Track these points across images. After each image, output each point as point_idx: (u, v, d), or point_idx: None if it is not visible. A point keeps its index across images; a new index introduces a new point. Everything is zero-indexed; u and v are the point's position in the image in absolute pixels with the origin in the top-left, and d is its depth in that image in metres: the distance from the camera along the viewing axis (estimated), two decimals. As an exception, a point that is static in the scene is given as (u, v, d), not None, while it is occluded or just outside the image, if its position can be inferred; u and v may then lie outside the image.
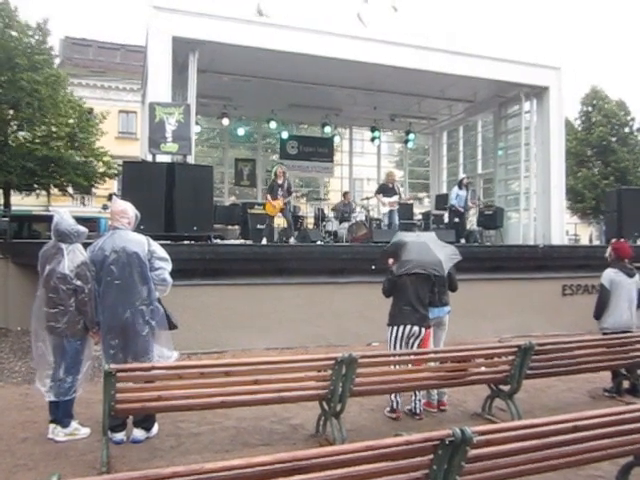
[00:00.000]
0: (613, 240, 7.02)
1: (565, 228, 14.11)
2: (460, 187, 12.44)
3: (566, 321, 9.44)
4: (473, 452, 2.64)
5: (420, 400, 5.22)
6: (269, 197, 10.84)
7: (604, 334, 5.98)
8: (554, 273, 10.38)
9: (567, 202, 18.97)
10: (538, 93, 13.07)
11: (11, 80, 13.39)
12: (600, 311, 6.05)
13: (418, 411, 5.19)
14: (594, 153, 23.85)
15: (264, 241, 10.35)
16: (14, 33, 14.03)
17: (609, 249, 6.30)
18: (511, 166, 14.74)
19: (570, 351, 5.43)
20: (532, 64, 12.63)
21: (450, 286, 5.51)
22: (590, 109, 24.64)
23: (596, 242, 24.88)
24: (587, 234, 29.57)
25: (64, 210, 4.75)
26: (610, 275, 6.04)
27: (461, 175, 13.71)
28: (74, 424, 4.51)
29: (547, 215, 12.80)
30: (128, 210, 4.59)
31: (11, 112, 14.78)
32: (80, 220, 4.73)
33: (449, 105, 15.41)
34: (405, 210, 13.21)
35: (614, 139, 23.40)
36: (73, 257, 4.37)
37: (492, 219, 13.35)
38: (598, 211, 22.50)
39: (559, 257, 10.62)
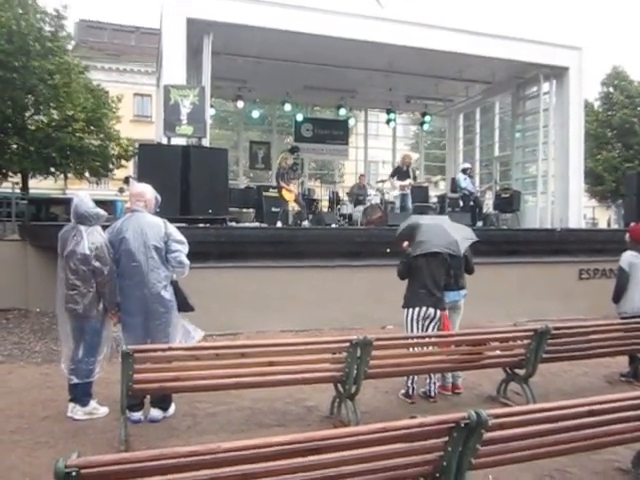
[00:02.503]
0: (632, 224, 6.93)
1: (583, 212, 13.91)
2: (465, 173, 12.58)
3: (582, 305, 9.35)
4: (488, 435, 2.64)
5: (435, 383, 5.22)
6: (282, 184, 10.91)
7: (622, 318, 5.92)
8: (571, 257, 10.27)
9: (586, 185, 18.64)
10: (558, 74, 12.81)
11: (25, 66, 13.44)
12: (619, 294, 5.98)
13: (432, 394, 5.20)
14: (615, 135, 23.36)
15: (279, 224, 10.38)
16: (30, 20, 14.01)
17: (627, 233, 6.23)
18: (529, 149, 14.53)
19: (586, 335, 5.39)
20: (552, 44, 12.35)
21: (466, 268, 5.49)
22: (611, 90, 24.09)
23: (615, 226, 24.55)
24: (606, 218, 29.19)
25: (84, 193, 4.80)
26: (629, 258, 5.97)
27: (465, 164, 13.72)
28: (93, 403, 4.59)
29: (565, 199, 12.63)
30: (145, 192, 4.62)
31: (28, 97, 14.86)
32: (96, 203, 4.76)
33: (466, 86, 15.17)
34: (420, 193, 13.14)
35: (636, 120, 22.85)
36: (92, 239, 4.42)
37: (509, 202, 13.20)
38: (618, 194, 22.10)
39: (576, 241, 10.49)
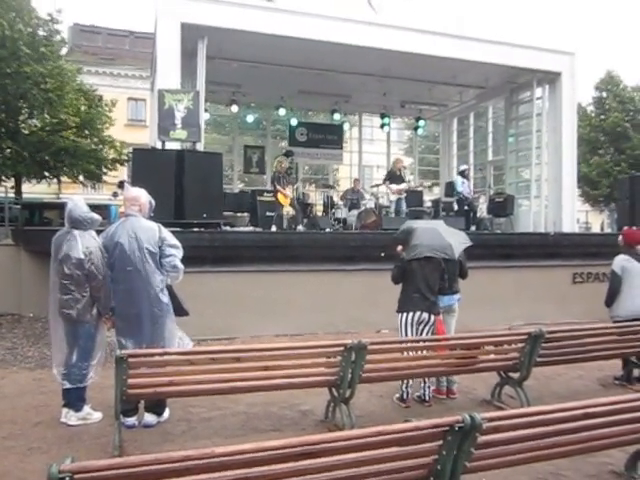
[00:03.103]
0: (625, 227, 6.97)
1: (576, 216, 13.97)
2: (463, 176, 12.55)
3: (576, 309, 9.39)
4: (482, 438, 2.65)
5: (429, 387, 5.23)
6: (278, 187, 10.88)
7: (615, 322, 5.94)
8: (565, 261, 10.32)
9: (579, 189, 18.72)
10: (550, 79, 12.91)
11: (17, 71, 13.40)
12: (611, 298, 6.00)
13: (427, 398, 5.20)
14: (608, 140, 23.49)
15: (273, 228, 10.38)
16: (20, 26, 13.96)
17: (621, 236, 6.27)
18: (522, 153, 14.61)
19: (580, 339, 5.41)
20: (544, 49, 12.45)
21: (460, 273, 5.50)
22: (604, 95, 24.24)
23: (608, 230, 24.67)
24: (599, 222, 29.33)
25: (78, 197, 4.79)
26: (621, 262, 5.99)
27: (463, 166, 13.71)
28: (87, 408, 4.57)
29: (558, 203, 12.71)
30: (140, 197, 4.61)
31: (20, 102, 14.79)
32: (90, 207, 4.75)
33: (460, 91, 15.25)
34: (415, 197, 13.17)
35: (629, 125, 22.97)
36: (87, 243, 4.41)
37: (502, 206, 13.24)
38: (610, 199, 22.21)
39: (570, 245, 10.54)
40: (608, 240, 9.28)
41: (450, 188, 13.85)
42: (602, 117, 23.68)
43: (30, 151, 14.48)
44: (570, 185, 12.81)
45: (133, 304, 4.38)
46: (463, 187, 12.37)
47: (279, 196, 10.92)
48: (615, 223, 16.56)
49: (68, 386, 4.42)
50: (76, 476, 1.94)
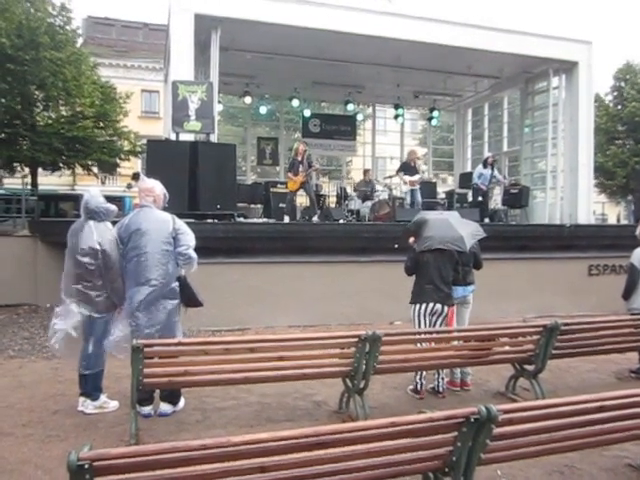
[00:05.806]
0: (642, 219, 6.87)
1: (592, 207, 13.78)
2: (485, 166, 12.25)
3: (592, 302, 9.31)
4: (498, 430, 2.64)
5: (443, 379, 5.22)
6: (290, 174, 10.80)
7: (632, 314, 5.87)
8: (580, 253, 10.24)
9: (596, 180, 18.43)
10: (567, 68, 12.72)
11: (35, 59, 13.49)
12: (629, 291, 5.94)
13: (441, 389, 5.20)
14: (625, 129, 23.10)
15: (286, 219, 10.36)
16: (39, 13, 14.08)
17: (639, 228, 6.17)
18: (538, 144, 14.43)
19: (596, 331, 5.36)
20: (561, 38, 12.24)
21: (475, 264, 5.47)
22: (623, 84, 23.82)
23: (624, 222, 24.36)
24: (615, 213, 28.97)
25: (95, 189, 4.81)
26: (641, 254, 5.91)
27: (486, 154, 13.45)
28: (103, 397, 4.63)
29: (574, 194, 12.54)
30: (154, 188, 4.64)
31: (37, 92, 14.90)
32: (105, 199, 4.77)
33: (474, 81, 15.10)
34: (428, 189, 13.08)
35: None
36: (102, 234, 4.44)
37: (517, 198, 13.09)
38: (627, 190, 21.88)
39: (585, 237, 10.44)
40: (624, 232, 9.19)
41: (467, 179, 13.69)
42: (620, 107, 23.27)
43: (44, 139, 14.58)
44: (586, 176, 12.63)
45: (145, 294, 4.39)
46: (481, 179, 12.11)
47: (288, 182, 10.82)
48: (632, 215, 16.34)
49: (86, 372, 4.47)
50: (95, 463, 1.96)
